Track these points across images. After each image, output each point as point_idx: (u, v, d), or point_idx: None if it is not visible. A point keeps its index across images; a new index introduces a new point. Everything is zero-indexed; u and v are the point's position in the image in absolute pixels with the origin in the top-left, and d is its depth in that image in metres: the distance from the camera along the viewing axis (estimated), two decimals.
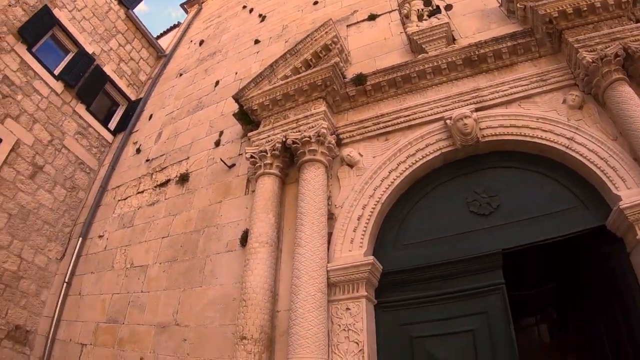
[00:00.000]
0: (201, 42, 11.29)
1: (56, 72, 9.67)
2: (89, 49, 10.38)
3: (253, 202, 5.20)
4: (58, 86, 9.57)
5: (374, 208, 4.78)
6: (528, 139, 4.61)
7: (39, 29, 9.31)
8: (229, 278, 5.15)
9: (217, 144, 7.06)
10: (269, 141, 5.45)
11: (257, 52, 8.83)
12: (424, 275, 4.40)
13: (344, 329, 4.13)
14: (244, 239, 5.24)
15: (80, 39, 10.27)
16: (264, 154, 5.37)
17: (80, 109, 9.94)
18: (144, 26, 12.20)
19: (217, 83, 8.57)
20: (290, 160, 5.47)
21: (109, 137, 10.42)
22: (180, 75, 10.21)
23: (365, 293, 4.24)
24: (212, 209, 6.11)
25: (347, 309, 4.23)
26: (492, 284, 4.14)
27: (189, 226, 6.22)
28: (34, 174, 8.58)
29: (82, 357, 6.66)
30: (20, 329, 7.80)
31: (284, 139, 5.32)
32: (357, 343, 4.01)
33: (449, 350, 4.01)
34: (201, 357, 4.88)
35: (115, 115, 11.00)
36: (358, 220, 4.74)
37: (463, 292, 4.22)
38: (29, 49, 9.05)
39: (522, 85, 4.99)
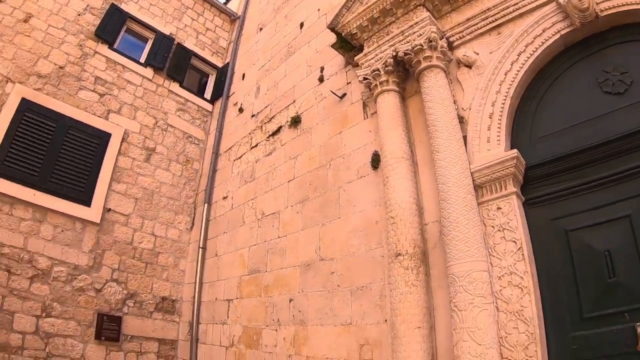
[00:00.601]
0: None
1: (142, 60, 10.03)
2: (166, 31, 10.61)
3: (378, 122, 5.04)
4: (148, 72, 9.93)
5: (503, 103, 4.48)
6: None
7: (113, 27, 9.65)
8: (367, 203, 5.06)
9: (321, 80, 6.94)
10: (379, 59, 5.24)
11: None
12: (568, 165, 4.06)
13: (499, 230, 3.92)
14: (375, 162, 5.13)
15: (154, 24, 10.52)
16: (377, 72, 5.17)
17: (175, 87, 10.26)
18: None
19: (301, 25, 8.41)
20: (404, 74, 5.25)
21: (208, 106, 10.73)
22: (261, 29, 10.15)
23: (514, 189, 3.99)
24: (333, 142, 6.03)
25: (498, 208, 4.01)
26: None
27: (313, 164, 6.19)
28: (148, 157, 9.08)
29: (229, 312, 7.02)
30: (166, 300, 8.44)
31: (394, 54, 5.09)
32: (514, 242, 3.80)
33: (606, 240, 3.69)
34: (352, 286, 4.87)
35: (207, 85, 11.32)
36: (490, 118, 4.46)
37: (614, 176, 3.85)
38: (111, 47, 9.46)
39: None
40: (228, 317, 7.02)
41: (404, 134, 4.80)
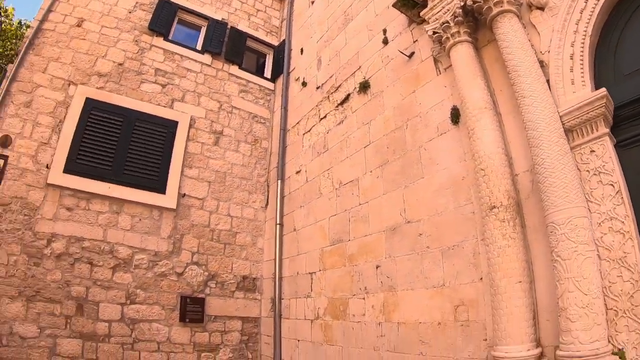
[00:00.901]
0: None
1: (198, 47, 10.26)
2: (217, 17, 10.74)
3: (454, 75, 4.89)
4: (206, 58, 10.12)
5: (582, 43, 4.23)
6: None
7: (165, 19, 9.88)
8: (451, 159, 4.93)
9: (385, 42, 6.78)
10: (447, 11, 5.06)
11: None
12: None
13: (594, 174, 3.73)
14: (455, 116, 4.99)
15: (205, 11, 10.67)
16: (447, 25, 5.00)
17: (234, 69, 10.41)
18: None
19: None
20: (474, 24, 5.05)
21: (269, 85, 10.83)
22: (312, 3, 10.05)
23: (606, 130, 3.77)
24: (407, 103, 5.90)
25: (592, 151, 3.81)
26: None
27: (389, 126, 6.08)
28: (216, 140, 9.32)
29: (313, 285, 7.09)
30: (247, 279, 8.69)
31: (461, 3, 4.90)
32: (611, 185, 3.61)
33: None
34: (442, 246, 4.78)
35: (266, 64, 11.42)
36: (571, 59, 4.23)
37: None
38: (166, 39, 9.73)
39: None
40: (312, 290, 7.07)
41: (484, 84, 4.64)
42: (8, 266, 7.27)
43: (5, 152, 7.83)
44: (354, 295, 6.04)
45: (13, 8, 22.28)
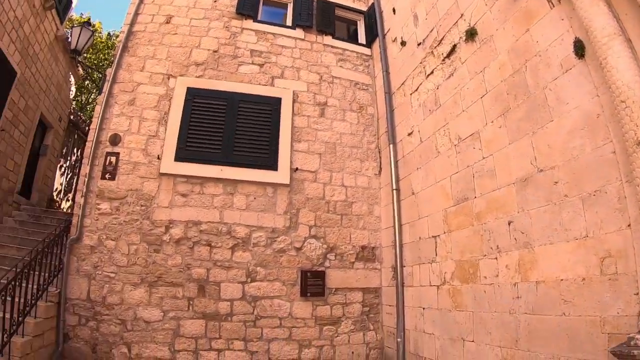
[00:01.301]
0: None
1: (288, 23, 10.44)
2: None
3: (574, 4, 4.39)
4: (298, 33, 10.23)
5: None
6: None
7: (251, 2, 10.16)
8: (581, 96, 4.46)
9: None
10: None
11: None
12: None
13: None
14: (579, 49, 4.49)
15: None
16: None
17: (328, 40, 10.42)
18: None
19: None
20: None
21: (366, 51, 10.70)
22: None
23: None
24: (521, 43, 5.42)
25: None
26: None
27: (505, 71, 5.64)
28: (322, 111, 9.36)
29: (437, 248, 6.87)
30: (366, 248, 8.66)
31: None
32: None
33: None
34: (582, 192, 4.35)
35: (358, 31, 11.38)
36: None
37: None
38: (255, 20, 10.06)
39: None
40: (436, 255, 6.84)
41: (608, 9, 4.14)
42: (129, 255, 7.77)
43: (116, 149, 8.28)
44: (485, 256, 5.73)
45: (100, 22, 23.75)
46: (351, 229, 8.67)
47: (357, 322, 8.23)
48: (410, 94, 8.21)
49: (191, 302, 7.69)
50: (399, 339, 7.38)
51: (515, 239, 5.18)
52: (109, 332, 7.42)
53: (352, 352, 8.03)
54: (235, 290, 7.84)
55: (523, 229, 5.06)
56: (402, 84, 8.61)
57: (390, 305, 8.09)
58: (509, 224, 5.30)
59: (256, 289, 7.91)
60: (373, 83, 10.02)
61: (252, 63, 9.41)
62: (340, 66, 10.05)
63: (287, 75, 9.49)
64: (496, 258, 5.49)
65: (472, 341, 5.76)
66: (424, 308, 7.02)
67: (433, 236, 6.95)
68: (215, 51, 9.33)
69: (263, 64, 9.46)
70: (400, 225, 7.93)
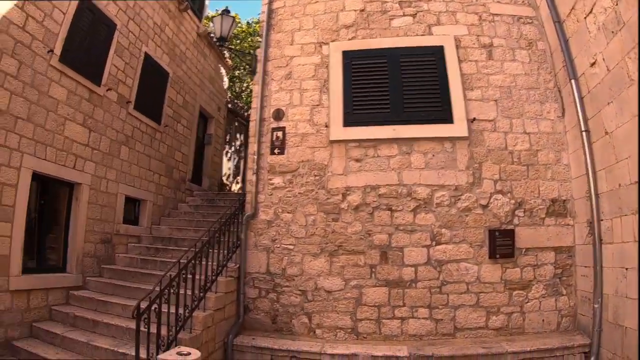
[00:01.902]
0: None
1: None
2: None
3: None
4: None
5: None
6: None
7: None
8: None
9: None
10: None
11: None
12: None
13: None
14: None
15: None
16: None
17: None
18: None
19: None
20: None
21: None
22: None
23: None
24: None
25: None
26: None
27: None
28: (489, 54, 8.76)
29: None
30: (556, 202, 7.96)
31: None
32: None
33: None
34: None
35: None
36: None
37: None
38: None
39: None
40: None
41: None
42: (307, 226, 8.14)
43: (281, 123, 8.58)
44: None
45: (237, 14, 25.12)
46: (539, 181, 7.99)
47: (548, 286, 7.62)
48: (585, 18, 7.16)
49: (373, 270, 7.76)
50: (595, 305, 6.70)
51: None
52: (289, 303, 7.89)
53: (543, 320, 7.51)
54: (419, 255, 7.75)
55: None
56: (572, 8, 7.55)
57: (585, 267, 7.32)
58: None
59: (441, 252, 7.75)
60: (538, 15, 8.97)
61: (404, 14, 9.06)
62: (498, 1, 9.21)
63: (444, 21, 8.99)
64: None
65: None
66: (627, 269, 6.09)
67: (637, 181, 5.96)
68: (362, 10, 9.16)
69: (415, 14, 9.06)
70: (594, 172, 7.03)
